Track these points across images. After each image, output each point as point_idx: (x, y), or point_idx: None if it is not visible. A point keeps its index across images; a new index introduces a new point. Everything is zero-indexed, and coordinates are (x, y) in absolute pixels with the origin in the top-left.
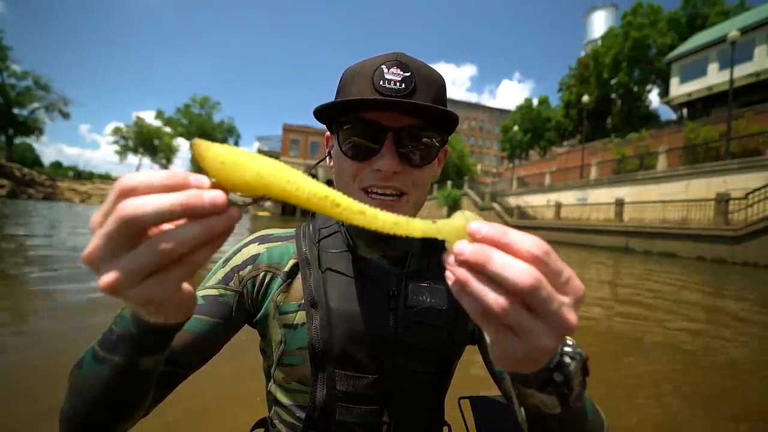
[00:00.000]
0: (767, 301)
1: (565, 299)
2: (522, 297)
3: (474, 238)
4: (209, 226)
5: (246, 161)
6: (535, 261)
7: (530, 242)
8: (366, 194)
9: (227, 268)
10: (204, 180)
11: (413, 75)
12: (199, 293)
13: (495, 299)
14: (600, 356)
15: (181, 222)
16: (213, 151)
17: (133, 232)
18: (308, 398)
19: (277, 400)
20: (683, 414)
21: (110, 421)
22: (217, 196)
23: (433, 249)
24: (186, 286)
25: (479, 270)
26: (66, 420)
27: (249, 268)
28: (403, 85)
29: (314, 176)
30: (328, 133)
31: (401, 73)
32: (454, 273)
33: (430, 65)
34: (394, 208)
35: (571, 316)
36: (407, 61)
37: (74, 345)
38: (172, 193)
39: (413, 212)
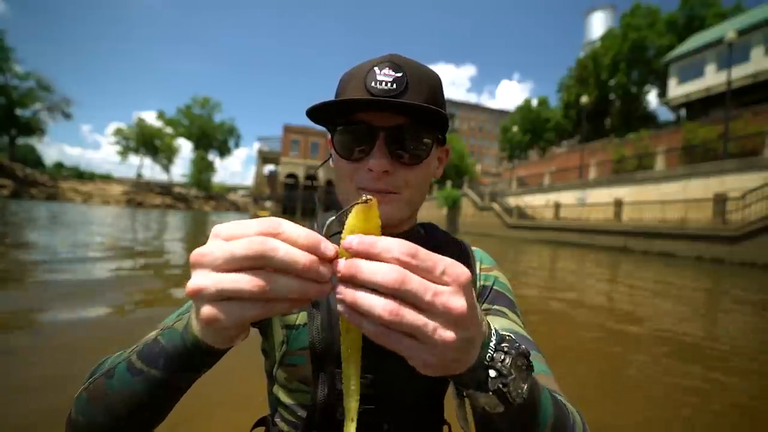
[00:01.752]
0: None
1: (444, 288)
2: (397, 295)
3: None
4: (305, 290)
5: None
6: (400, 261)
7: (396, 245)
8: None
9: None
10: (330, 250)
11: (405, 75)
12: None
13: (383, 307)
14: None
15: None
16: (373, 226)
17: (251, 264)
18: (309, 398)
19: (279, 400)
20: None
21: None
22: (327, 273)
23: (436, 249)
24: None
25: (352, 281)
26: (75, 429)
27: None
28: (395, 86)
29: (314, 177)
30: (329, 137)
31: (393, 73)
32: (342, 297)
33: (425, 65)
34: (387, 204)
35: (455, 301)
36: (400, 62)
37: None
38: (299, 252)
39: (408, 211)
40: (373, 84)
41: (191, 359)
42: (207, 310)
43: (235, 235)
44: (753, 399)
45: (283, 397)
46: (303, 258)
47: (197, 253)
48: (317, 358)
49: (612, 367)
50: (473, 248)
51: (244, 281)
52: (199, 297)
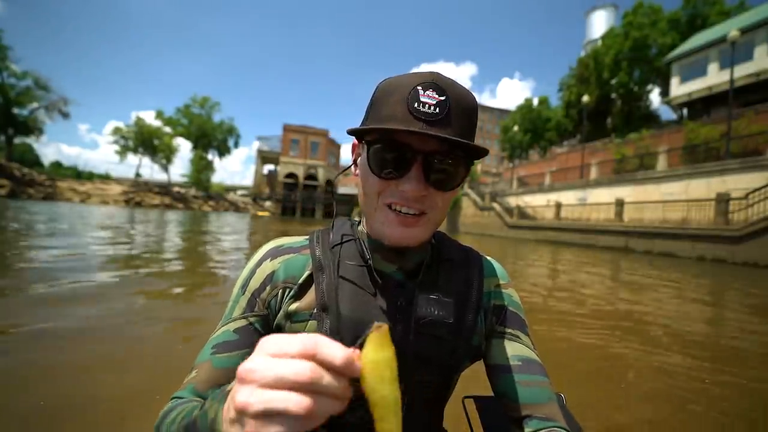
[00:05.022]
0: None
1: None
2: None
3: None
4: (337, 409)
5: (391, 386)
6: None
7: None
8: (390, 210)
9: (248, 294)
10: (358, 372)
11: (448, 99)
12: (231, 328)
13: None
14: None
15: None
16: (386, 355)
17: (297, 388)
18: None
19: None
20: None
21: None
22: (350, 393)
23: (442, 261)
24: None
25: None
26: None
27: (268, 288)
28: (438, 110)
29: (314, 176)
30: (355, 141)
31: (436, 96)
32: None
33: (463, 86)
34: (416, 226)
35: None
36: (443, 84)
37: None
38: (338, 384)
39: (431, 230)
40: (416, 105)
41: None
42: (251, 426)
43: (279, 353)
44: None
45: None
46: (342, 388)
47: (245, 369)
48: None
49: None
50: (486, 258)
51: (292, 402)
52: (246, 412)
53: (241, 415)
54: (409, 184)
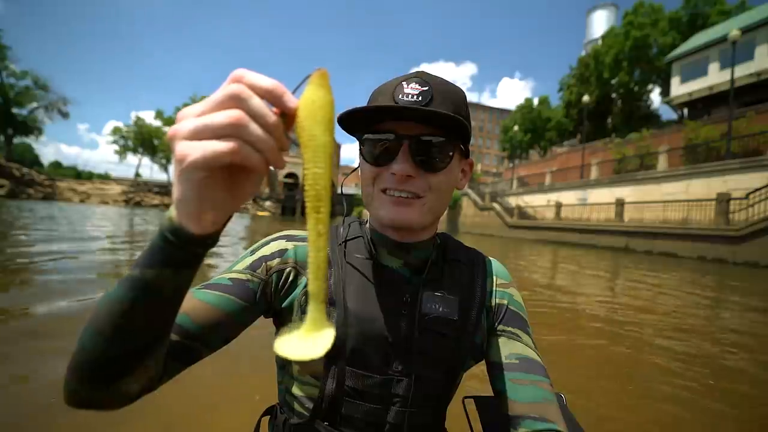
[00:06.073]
0: None
1: None
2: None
3: None
4: (271, 144)
5: (324, 128)
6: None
7: None
8: (384, 195)
9: (255, 257)
10: (292, 102)
11: (431, 89)
12: (227, 276)
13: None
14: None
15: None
16: (323, 95)
17: (229, 106)
18: (318, 390)
19: (289, 391)
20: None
21: (117, 359)
22: (287, 142)
23: (447, 260)
24: (224, 197)
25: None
26: (71, 365)
27: (277, 260)
28: (420, 98)
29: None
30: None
31: (419, 87)
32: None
33: (451, 82)
34: (411, 207)
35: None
36: (426, 78)
37: None
38: (269, 111)
39: (430, 217)
40: (400, 96)
41: (166, 247)
42: (180, 146)
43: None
44: None
45: (293, 389)
46: (274, 122)
47: (182, 110)
48: (330, 354)
49: None
50: (489, 258)
51: (219, 115)
52: (176, 136)
53: (173, 142)
54: (397, 165)
